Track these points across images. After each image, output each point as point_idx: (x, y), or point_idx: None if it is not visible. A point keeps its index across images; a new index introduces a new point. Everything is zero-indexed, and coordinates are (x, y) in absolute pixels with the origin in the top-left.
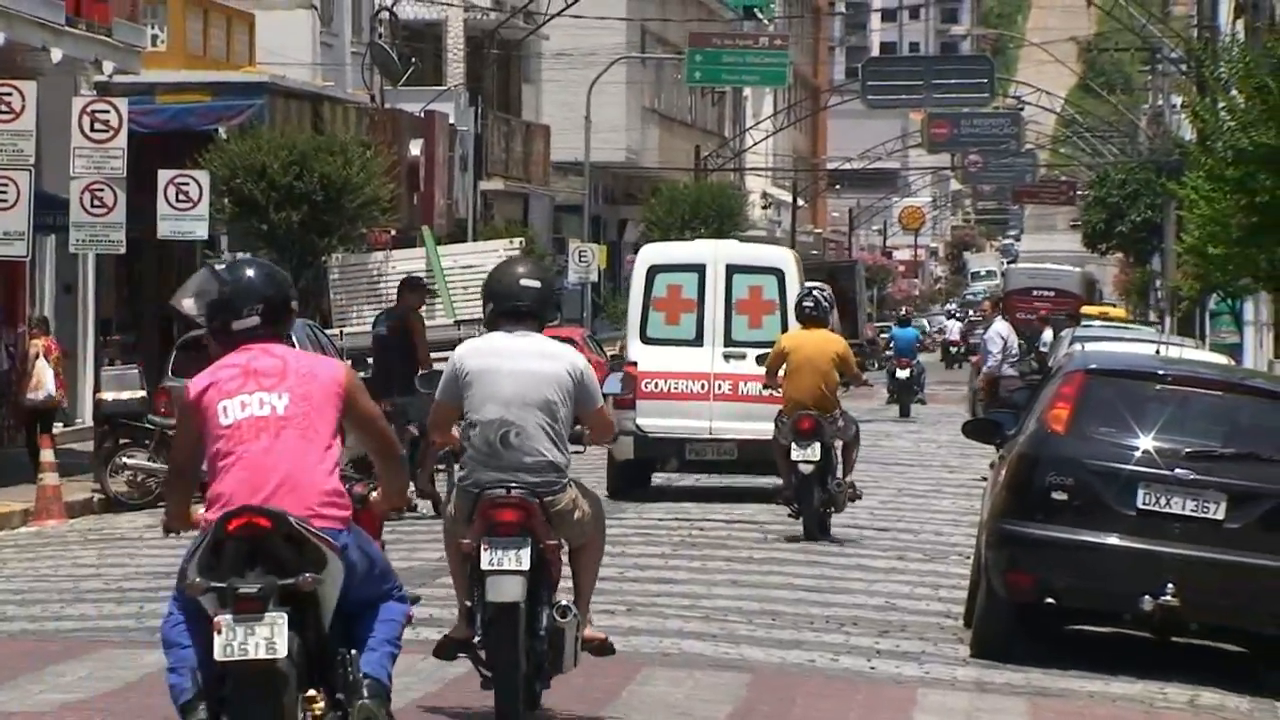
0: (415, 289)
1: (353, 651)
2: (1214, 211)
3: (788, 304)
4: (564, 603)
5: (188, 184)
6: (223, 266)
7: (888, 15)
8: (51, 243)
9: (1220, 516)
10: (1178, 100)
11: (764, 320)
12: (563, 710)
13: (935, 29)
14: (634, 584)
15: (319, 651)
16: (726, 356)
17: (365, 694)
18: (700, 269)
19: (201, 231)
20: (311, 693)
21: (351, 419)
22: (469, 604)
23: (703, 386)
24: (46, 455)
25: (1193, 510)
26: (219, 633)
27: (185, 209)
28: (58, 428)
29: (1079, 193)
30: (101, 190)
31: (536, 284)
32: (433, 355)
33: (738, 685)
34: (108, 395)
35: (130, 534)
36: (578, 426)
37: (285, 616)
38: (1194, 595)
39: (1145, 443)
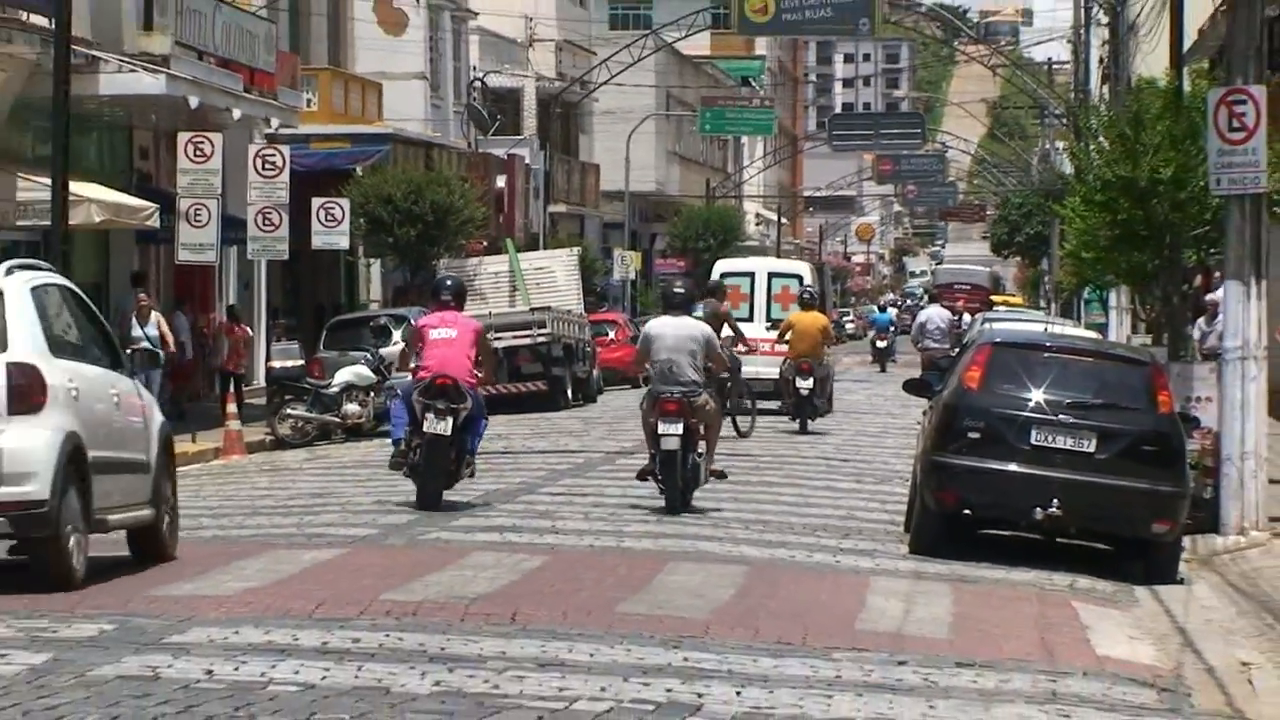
0: (720, 290)
1: (465, 435)
2: (1086, 226)
3: (813, 298)
4: (700, 451)
5: (334, 208)
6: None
7: (848, 83)
8: (234, 252)
9: (1092, 450)
10: (1060, 144)
11: (790, 306)
12: (609, 593)
13: (882, 93)
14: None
15: (457, 434)
16: (767, 328)
17: (468, 456)
18: (752, 275)
19: (344, 243)
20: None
21: (479, 348)
22: (652, 452)
23: (753, 346)
24: (231, 407)
25: (1071, 446)
26: (426, 421)
27: (332, 227)
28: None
29: (988, 213)
30: (271, 213)
31: (683, 291)
32: (514, 333)
33: (738, 574)
34: (276, 364)
35: (293, 465)
36: (708, 363)
37: (451, 419)
38: (1073, 508)
39: (1036, 396)
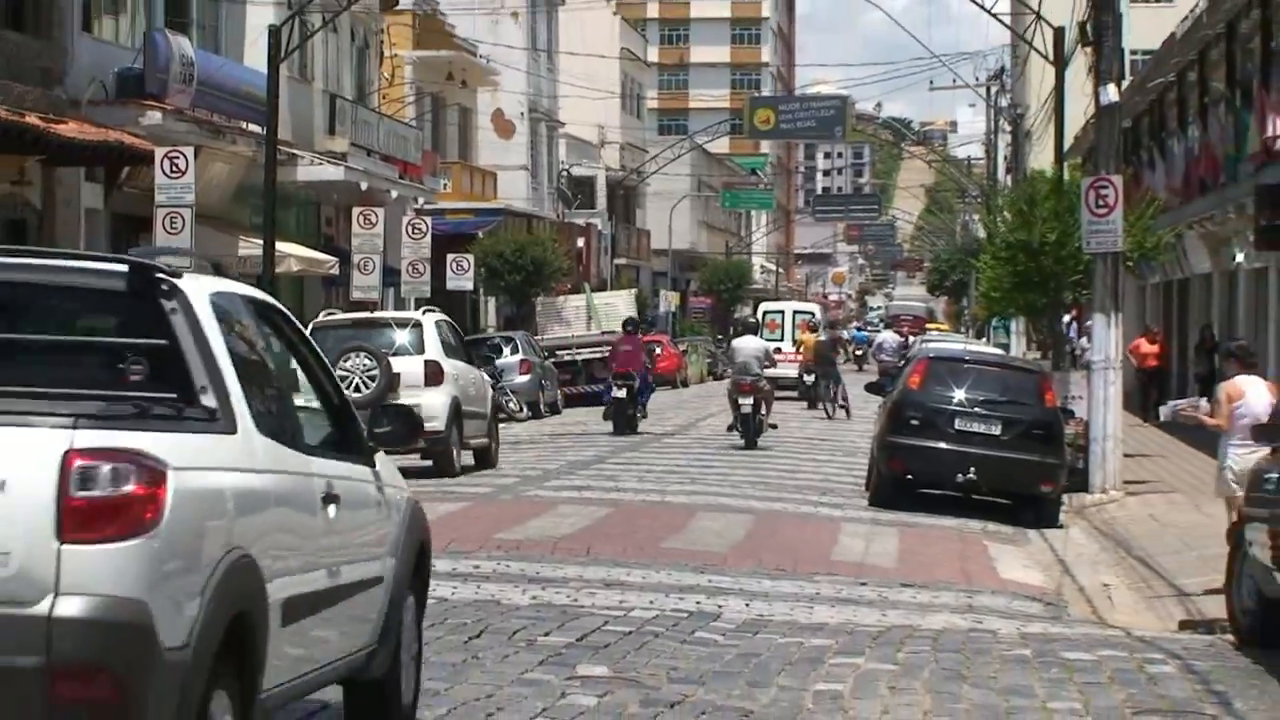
0: (835, 325)
1: (639, 397)
2: (995, 275)
3: (816, 325)
4: (762, 413)
5: (462, 260)
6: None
7: (826, 172)
8: (392, 292)
9: (998, 433)
10: (976, 216)
11: (807, 332)
12: (656, 534)
13: (851, 179)
14: (695, 468)
15: (632, 397)
16: (793, 345)
17: (641, 408)
18: (783, 312)
19: (469, 285)
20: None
21: (646, 353)
22: (735, 414)
23: (784, 356)
24: None
25: (983, 430)
26: (614, 390)
27: (461, 274)
28: None
29: (925, 265)
30: (418, 264)
31: (753, 321)
32: (590, 349)
33: (748, 521)
34: None
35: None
36: (766, 362)
37: (627, 389)
38: (984, 474)
39: (959, 394)
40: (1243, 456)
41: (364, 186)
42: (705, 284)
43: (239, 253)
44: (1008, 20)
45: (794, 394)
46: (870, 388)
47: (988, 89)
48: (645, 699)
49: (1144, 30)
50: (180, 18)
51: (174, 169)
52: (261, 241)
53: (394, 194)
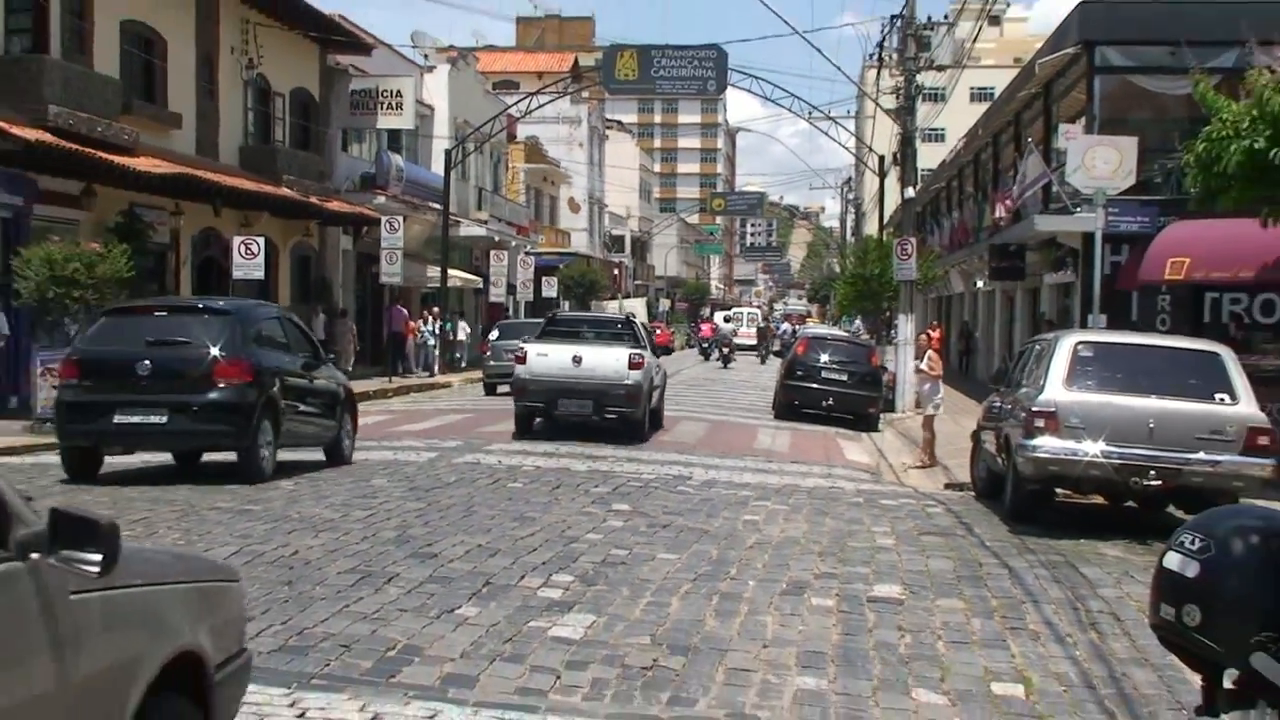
0: (766, 318)
1: (719, 348)
2: (845, 292)
3: (758, 319)
4: (732, 355)
5: (551, 281)
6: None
7: (751, 234)
8: (511, 299)
9: (845, 379)
10: (835, 260)
11: (757, 322)
12: (651, 439)
13: (766, 238)
14: (678, 398)
15: (714, 345)
16: (751, 328)
17: (712, 350)
18: (743, 312)
19: (554, 295)
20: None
21: (717, 329)
22: (719, 354)
23: (744, 335)
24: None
25: (837, 377)
26: (703, 345)
27: (550, 288)
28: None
29: (806, 286)
30: (526, 283)
31: (729, 314)
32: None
33: (706, 426)
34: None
35: None
36: (734, 335)
37: (709, 343)
38: (838, 402)
39: (824, 357)
40: (940, 393)
41: (496, 239)
42: (684, 296)
43: (427, 274)
44: (854, 149)
45: (752, 353)
46: (776, 353)
47: (842, 189)
48: (650, 523)
49: (929, 157)
50: (395, 144)
51: (391, 228)
52: (439, 270)
53: (513, 243)
